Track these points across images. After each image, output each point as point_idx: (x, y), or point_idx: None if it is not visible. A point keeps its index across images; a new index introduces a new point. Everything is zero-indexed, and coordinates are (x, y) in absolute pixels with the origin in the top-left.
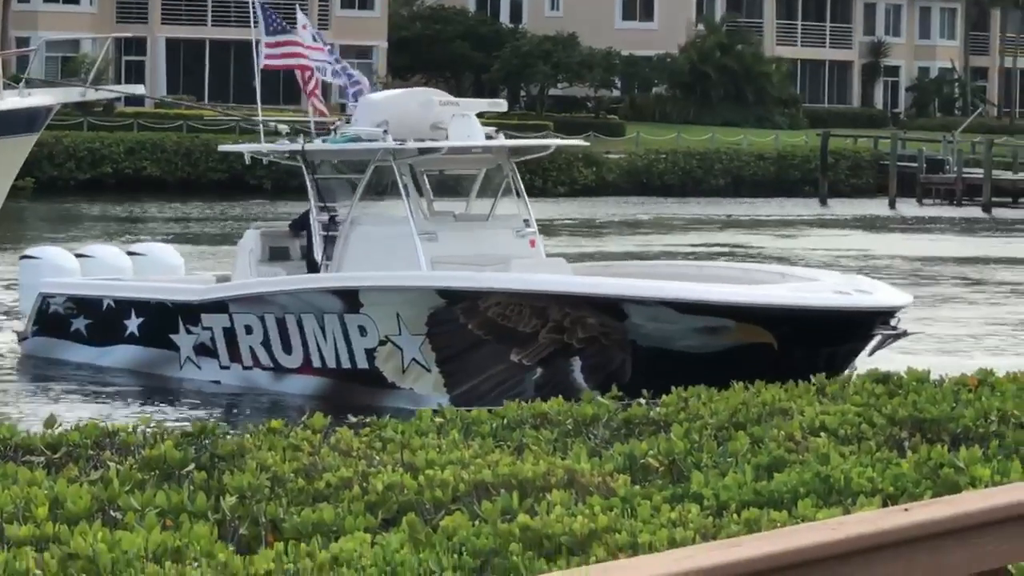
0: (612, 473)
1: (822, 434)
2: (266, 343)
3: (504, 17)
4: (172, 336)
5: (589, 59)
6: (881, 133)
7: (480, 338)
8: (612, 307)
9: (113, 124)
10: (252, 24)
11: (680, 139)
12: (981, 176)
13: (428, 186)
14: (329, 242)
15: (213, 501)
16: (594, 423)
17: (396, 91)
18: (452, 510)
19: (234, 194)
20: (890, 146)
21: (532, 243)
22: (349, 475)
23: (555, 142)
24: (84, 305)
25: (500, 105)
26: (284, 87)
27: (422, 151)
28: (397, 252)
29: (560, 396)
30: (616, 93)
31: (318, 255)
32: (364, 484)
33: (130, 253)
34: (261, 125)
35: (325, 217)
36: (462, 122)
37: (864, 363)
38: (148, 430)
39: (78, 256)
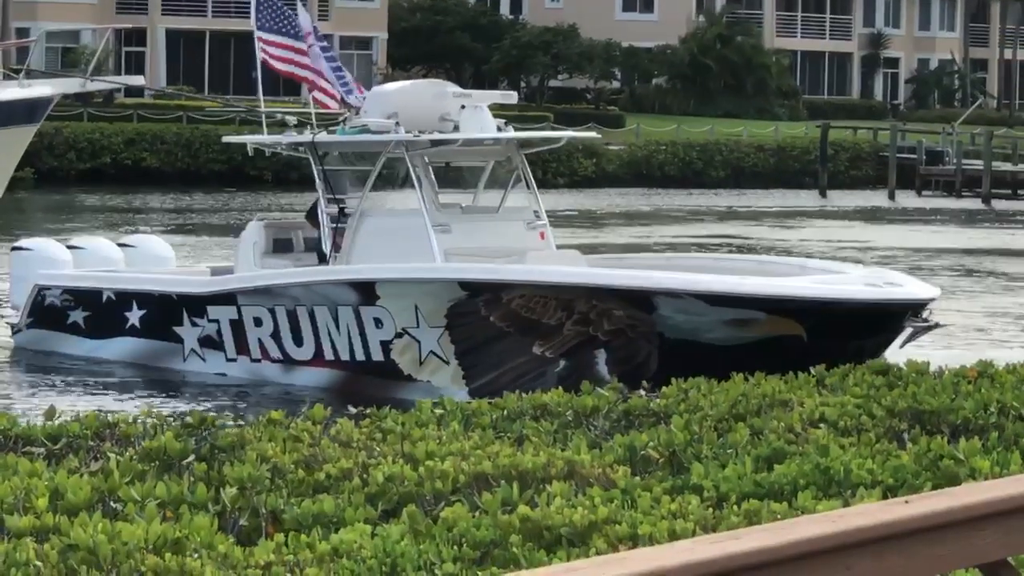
0: (612, 464)
1: (822, 426)
2: (276, 335)
3: (504, 8)
4: (176, 328)
5: (589, 50)
6: (881, 125)
7: (502, 330)
8: (641, 299)
9: (113, 115)
10: (252, 15)
11: (680, 130)
12: (981, 168)
13: (433, 178)
14: (338, 234)
15: (213, 492)
16: (594, 414)
17: (406, 82)
18: (452, 501)
19: (234, 185)
20: (890, 138)
21: (542, 235)
22: (349, 466)
23: (567, 134)
24: (82, 297)
25: (511, 97)
26: (284, 79)
27: (435, 143)
28: (409, 244)
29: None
30: (616, 84)
31: (326, 247)
32: (364, 475)
33: (120, 245)
34: (264, 116)
35: (334, 209)
36: (474, 114)
37: (893, 355)
38: (148, 421)
39: (70, 248)
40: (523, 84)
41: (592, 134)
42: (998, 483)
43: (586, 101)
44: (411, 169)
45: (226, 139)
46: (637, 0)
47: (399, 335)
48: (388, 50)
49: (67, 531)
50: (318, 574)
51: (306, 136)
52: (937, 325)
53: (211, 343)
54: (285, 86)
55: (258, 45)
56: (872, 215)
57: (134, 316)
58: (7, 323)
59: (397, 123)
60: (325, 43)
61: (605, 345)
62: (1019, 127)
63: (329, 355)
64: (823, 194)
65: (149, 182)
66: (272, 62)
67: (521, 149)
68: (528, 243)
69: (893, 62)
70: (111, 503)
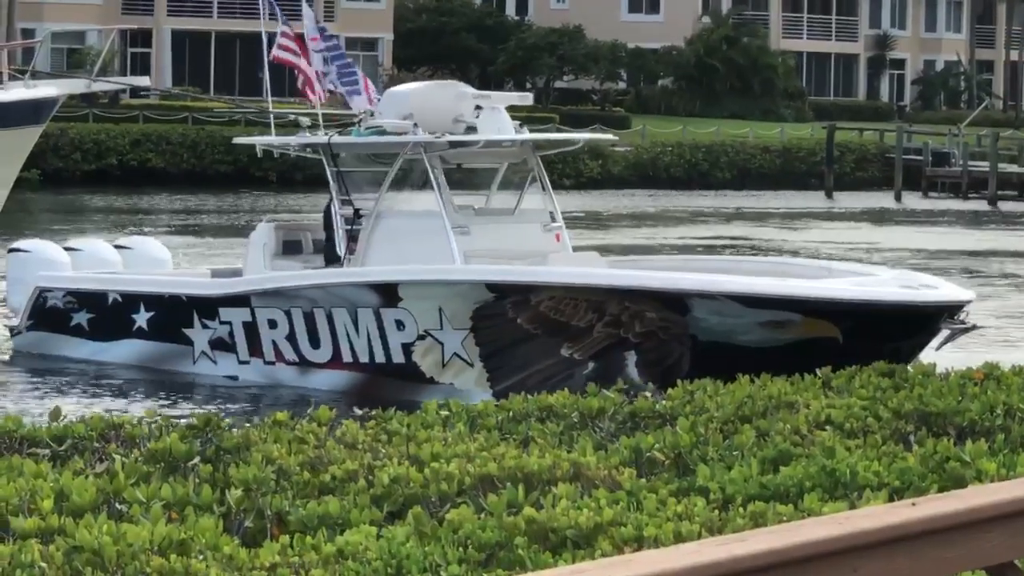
0: (618, 466)
1: (828, 428)
2: (291, 337)
3: (510, 9)
4: (186, 330)
5: (595, 52)
6: (887, 126)
7: (529, 332)
8: (676, 301)
9: (118, 116)
10: (262, 15)
11: (686, 132)
12: (987, 169)
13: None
14: (352, 236)
15: (218, 494)
16: (600, 416)
17: (421, 83)
18: (458, 503)
19: (240, 186)
20: (896, 139)
21: (558, 237)
22: (355, 468)
23: (585, 136)
24: (87, 299)
25: (527, 98)
26: (290, 79)
27: (454, 144)
28: (428, 246)
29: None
30: (622, 86)
31: (340, 249)
32: (370, 477)
33: (117, 247)
34: (272, 117)
35: (349, 210)
36: (493, 115)
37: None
38: (153, 423)
39: (67, 250)
40: (529, 85)
41: (609, 136)
42: (1004, 485)
43: (592, 102)
44: (430, 171)
45: (237, 140)
46: (643, 1)
47: (421, 337)
48: (394, 51)
49: (72, 532)
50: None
51: (322, 137)
52: (974, 327)
53: (223, 345)
54: (291, 87)
55: (273, 42)
56: (878, 216)
57: (141, 318)
58: (5, 325)
59: (415, 124)
60: (334, 42)
61: (636, 347)
62: None
63: (347, 357)
64: (829, 195)
65: (154, 183)
66: (281, 52)
67: (536, 151)
68: (545, 245)
69: (899, 63)
70: (116, 504)
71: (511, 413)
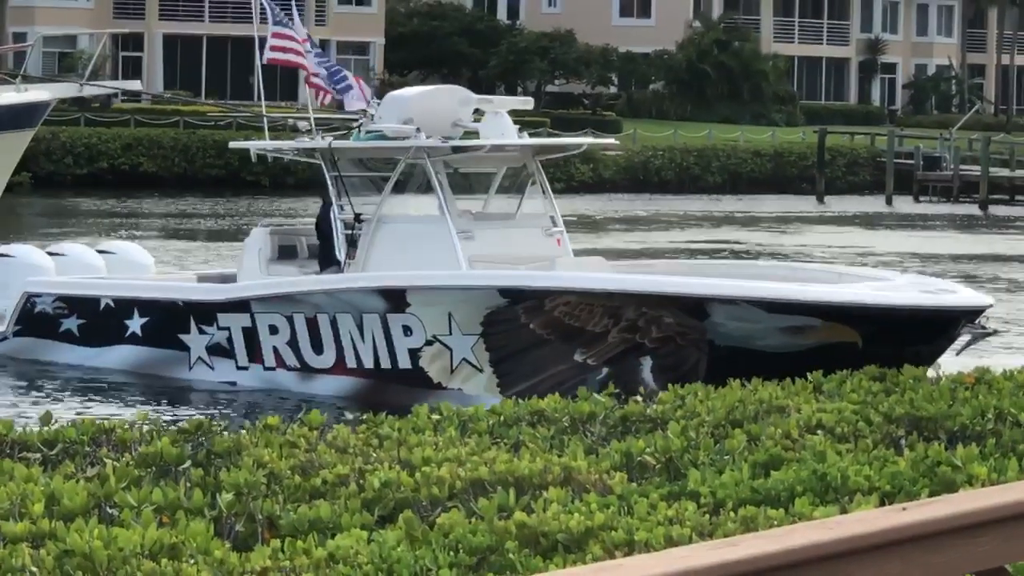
0: (609, 471)
1: (819, 432)
2: (293, 343)
3: (501, 13)
4: (182, 336)
5: (586, 56)
6: (878, 130)
7: (542, 338)
8: (695, 306)
9: (110, 120)
10: (255, 18)
11: (677, 136)
12: (978, 173)
13: None
14: (351, 240)
15: (209, 498)
16: (591, 420)
17: (422, 88)
18: (448, 507)
19: (231, 190)
20: (887, 143)
21: (559, 242)
22: (346, 472)
23: (587, 141)
24: (77, 305)
25: (528, 103)
26: (281, 83)
27: (457, 149)
28: (432, 250)
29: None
30: (613, 90)
31: (340, 254)
32: (360, 481)
33: (100, 251)
34: (265, 121)
35: (349, 215)
36: (496, 120)
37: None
38: (145, 427)
39: (50, 255)
40: (520, 89)
41: (612, 140)
42: (995, 490)
43: (583, 106)
44: (433, 176)
45: (233, 145)
46: (634, 5)
47: (429, 342)
48: (385, 55)
49: (63, 537)
50: None
51: (322, 142)
52: (995, 332)
53: (220, 351)
54: (283, 91)
55: (265, 45)
56: (869, 221)
57: (135, 324)
58: None
59: (418, 129)
60: (319, 50)
61: (652, 352)
62: (1016, 132)
63: (351, 363)
64: (820, 199)
65: (146, 187)
66: (276, 55)
67: (537, 155)
68: (547, 249)
69: (890, 67)
70: (107, 508)
71: (502, 417)
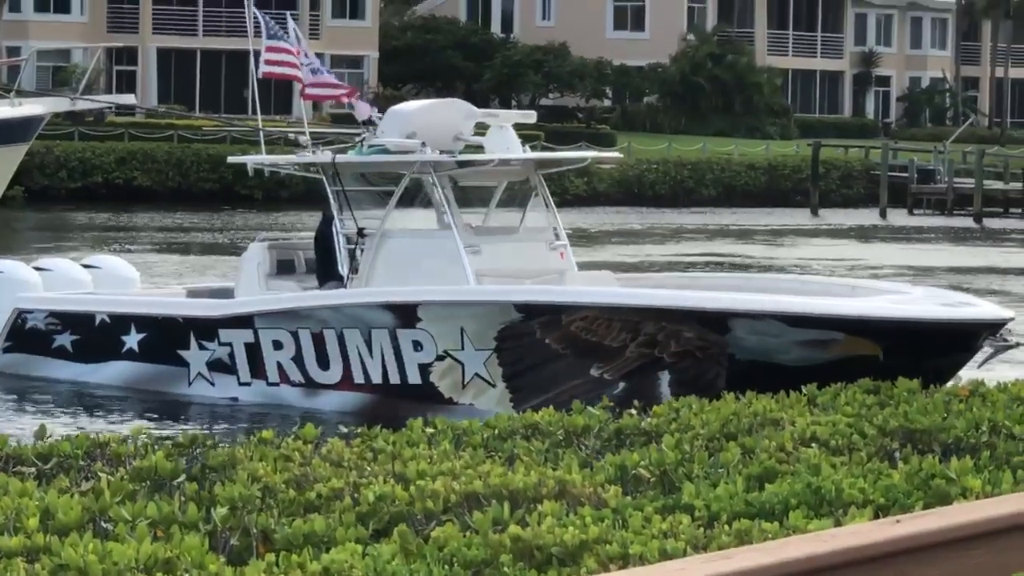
0: (603, 484)
1: (813, 445)
2: (298, 359)
3: (495, 27)
4: (181, 352)
5: (580, 69)
6: (872, 143)
7: (558, 352)
8: (716, 320)
9: (104, 134)
10: (250, 32)
11: (671, 149)
12: (972, 186)
13: None
14: (353, 255)
15: (204, 512)
16: (585, 434)
17: (425, 102)
18: (443, 521)
19: (225, 204)
20: (881, 156)
21: (562, 255)
22: (340, 486)
23: (590, 154)
24: (71, 321)
25: (531, 116)
26: (276, 96)
27: (462, 163)
28: (439, 265)
29: None
30: (607, 103)
31: (343, 269)
32: (355, 495)
33: (85, 266)
34: (261, 135)
35: (351, 229)
36: (500, 134)
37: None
38: (139, 441)
39: (36, 270)
40: (514, 103)
41: (616, 154)
42: (989, 502)
43: (577, 120)
44: (439, 190)
45: (231, 160)
46: (628, 18)
47: (440, 357)
48: (379, 69)
49: (58, 551)
50: None
51: (325, 156)
52: (1018, 345)
53: (221, 367)
54: (277, 104)
55: (259, 59)
56: (864, 233)
57: (132, 340)
58: None
59: (423, 144)
60: (317, 61)
61: (670, 367)
62: (1010, 145)
63: (358, 378)
64: (814, 212)
65: (140, 201)
66: (272, 68)
67: (539, 169)
68: (551, 263)
69: (884, 80)
70: (102, 523)
71: (496, 431)
